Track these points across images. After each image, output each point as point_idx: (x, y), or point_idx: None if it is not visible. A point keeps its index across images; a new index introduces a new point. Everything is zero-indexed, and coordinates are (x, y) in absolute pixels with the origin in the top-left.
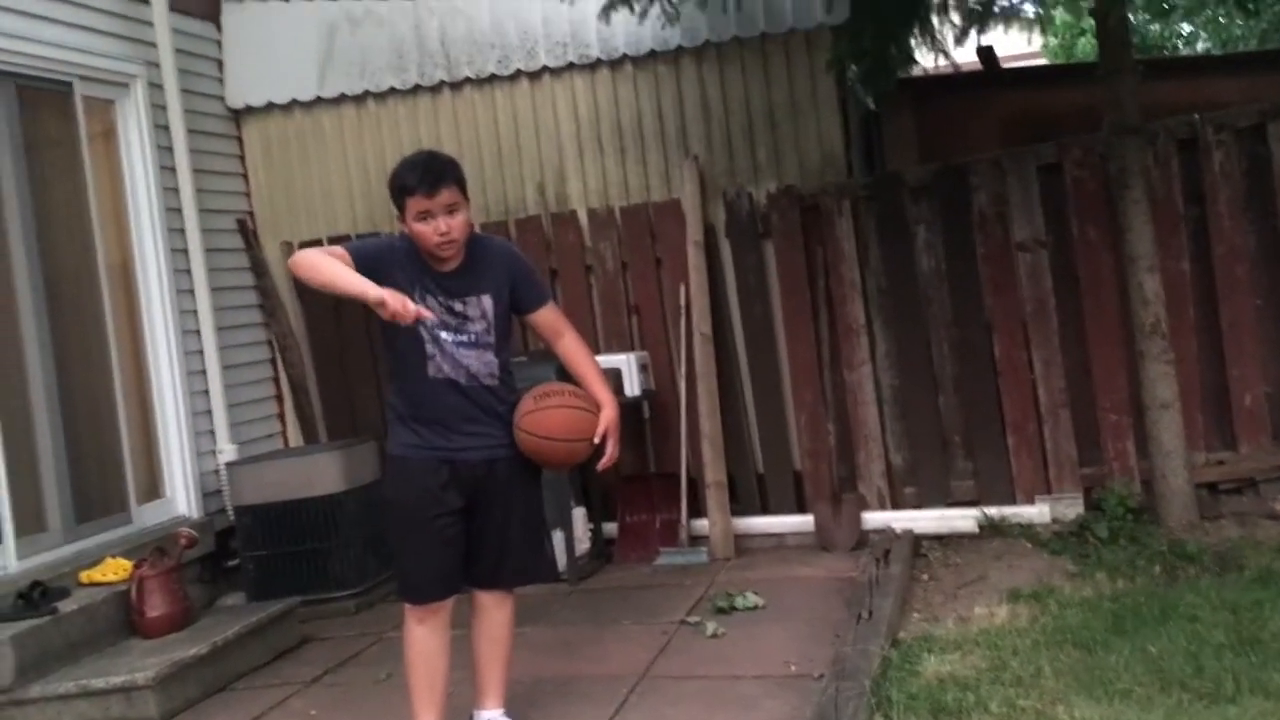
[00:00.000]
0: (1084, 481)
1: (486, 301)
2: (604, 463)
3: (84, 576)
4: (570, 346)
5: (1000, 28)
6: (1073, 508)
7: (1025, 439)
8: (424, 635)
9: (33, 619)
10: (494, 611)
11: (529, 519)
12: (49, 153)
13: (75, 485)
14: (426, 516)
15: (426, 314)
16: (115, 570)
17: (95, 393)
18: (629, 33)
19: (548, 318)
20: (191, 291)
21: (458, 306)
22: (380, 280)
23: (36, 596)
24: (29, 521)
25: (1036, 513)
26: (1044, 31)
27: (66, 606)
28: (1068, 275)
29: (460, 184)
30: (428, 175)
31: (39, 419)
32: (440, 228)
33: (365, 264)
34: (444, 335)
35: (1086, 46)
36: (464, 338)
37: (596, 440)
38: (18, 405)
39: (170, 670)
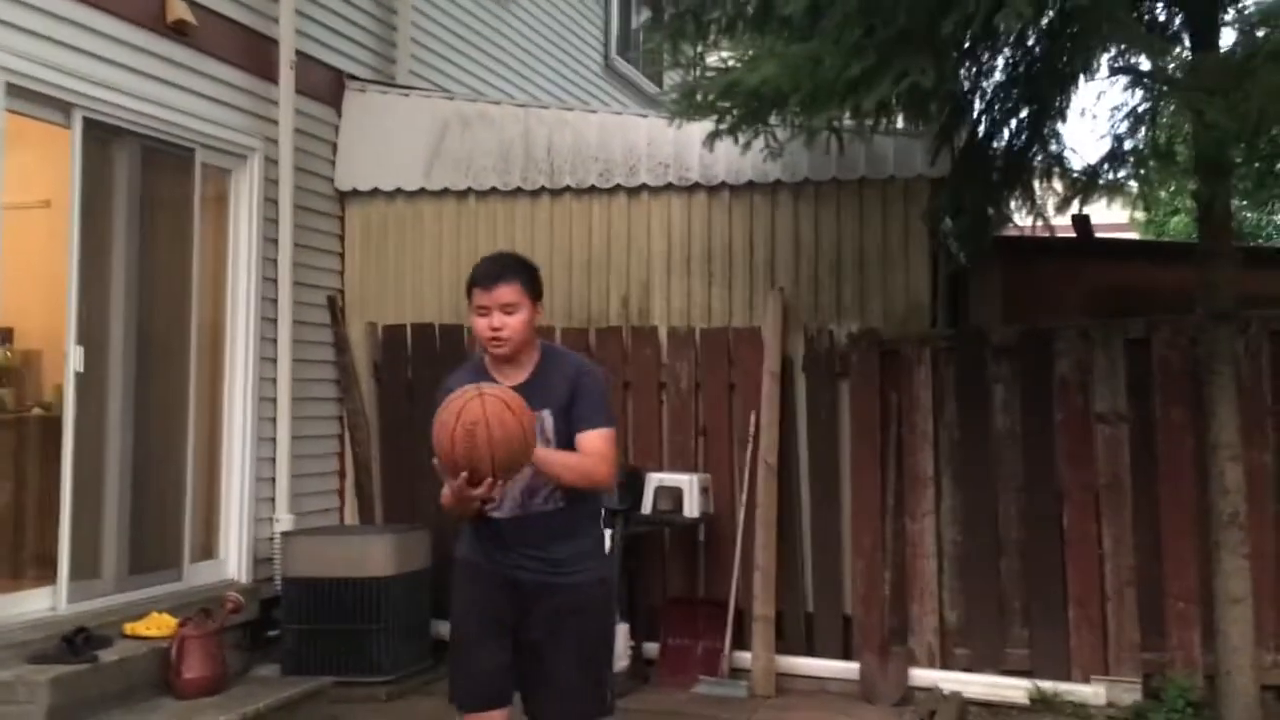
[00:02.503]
0: (1144, 667)
1: (546, 417)
2: (474, 489)
3: (128, 628)
4: (588, 458)
5: (1102, 199)
6: (1130, 693)
7: (1087, 615)
8: None
9: (73, 664)
10: None
11: (585, 657)
12: (162, 212)
13: (134, 536)
14: (471, 623)
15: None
16: (159, 626)
17: (168, 447)
18: (730, 161)
19: (589, 440)
20: (274, 360)
21: None
22: None
23: (80, 642)
24: (84, 566)
25: (1092, 693)
26: (1147, 209)
27: (107, 656)
28: (1146, 453)
29: (527, 285)
30: (491, 270)
31: (110, 466)
32: (493, 323)
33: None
34: None
35: (1179, 225)
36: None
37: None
38: (92, 449)
39: None
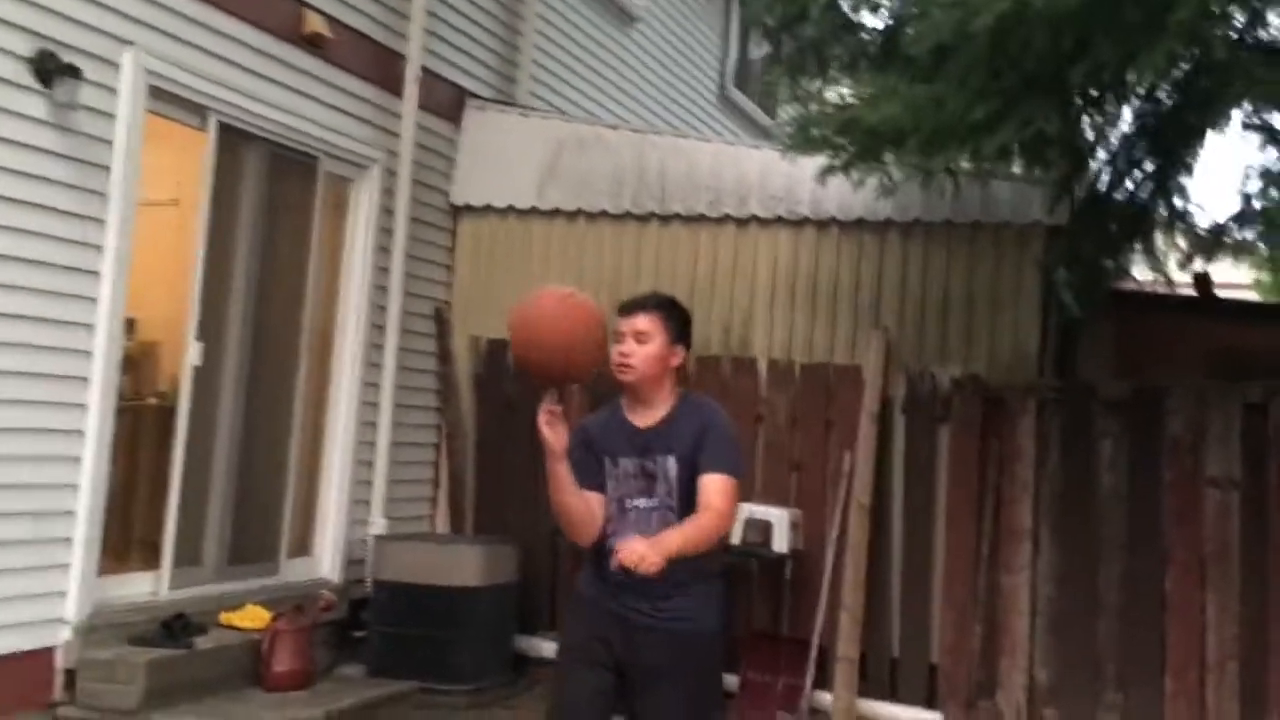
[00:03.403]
0: None
1: (670, 463)
2: (616, 560)
3: (224, 617)
4: (699, 514)
5: (1226, 258)
6: None
7: (1185, 686)
8: None
9: (170, 649)
10: None
11: (689, 703)
12: (285, 216)
13: (235, 528)
14: (575, 651)
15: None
16: (254, 618)
17: (273, 445)
18: (842, 197)
19: (708, 484)
20: (379, 366)
21: (649, 465)
22: (595, 461)
23: (178, 628)
24: (187, 554)
25: None
26: (1274, 271)
27: (203, 643)
28: (1258, 521)
29: (667, 320)
30: (634, 299)
31: (218, 458)
32: (623, 349)
33: (583, 466)
34: (633, 501)
35: None
36: (652, 501)
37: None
38: (203, 442)
39: None
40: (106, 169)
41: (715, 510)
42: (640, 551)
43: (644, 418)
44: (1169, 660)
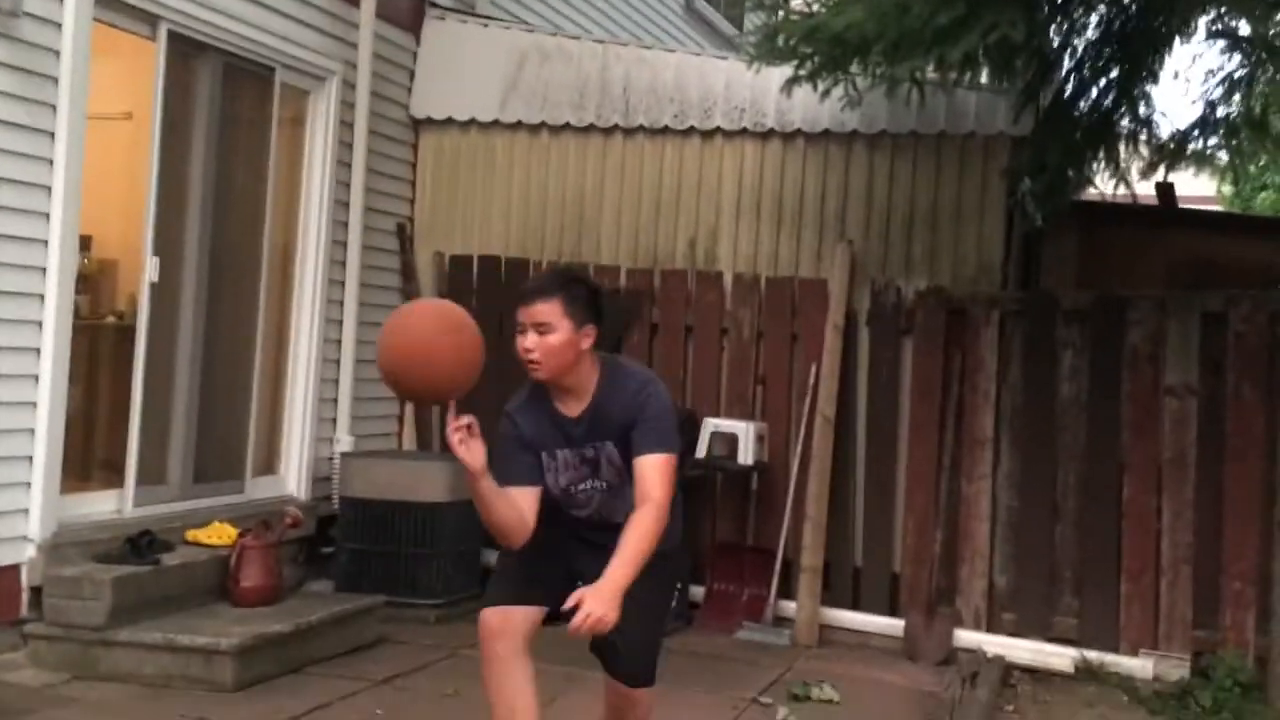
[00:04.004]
0: (1194, 644)
1: (609, 449)
2: (573, 626)
3: (190, 535)
4: (640, 515)
5: (1190, 169)
6: (1178, 669)
7: (1140, 589)
8: (491, 660)
9: (136, 565)
10: (623, 707)
11: (642, 621)
12: (241, 130)
13: (200, 446)
14: (521, 553)
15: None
16: (220, 535)
17: (235, 362)
18: (807, 109)
19: (645, 469)
20: (342, 284)
21: (587, 454)
22: (528, 456)
23: (144, 545)
24: (151, 472)
25: (1139, 666)
26: (1235, 181)
27: (169, 560)
28: (1214, 430)
29: (569, 305)
30: (531, 284)
31: (179, 376)
32: (525, 343)
33: (516, 463)
34: (578, 486)
35: (1266, 201)
36: (599, 484)
37: (567, 605)
38: (163, 359)
39: (253, 642)
40: (54, 80)
41: (654, 503)
42: (593, 614)
43: (571, 405)
44: (1125, 565)
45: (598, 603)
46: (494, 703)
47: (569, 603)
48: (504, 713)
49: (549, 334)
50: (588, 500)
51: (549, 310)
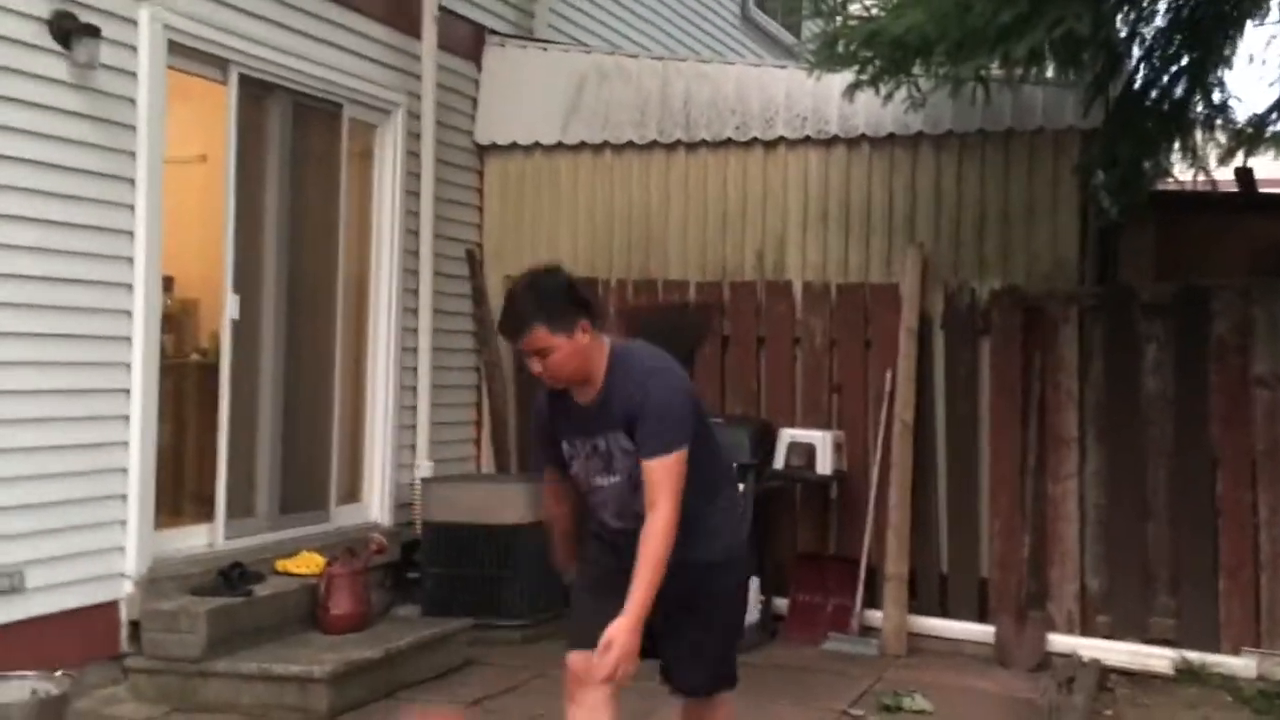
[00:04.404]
0: None
1: (621, 439)
2: (603, 675)
3: (279, 565)
4: (646, 530)
5: (1269, 152)
6: None
7: (1239, 585)
8: (578, 706)
9: (229, 597)
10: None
11: (711, 631)
12: (312, 166)
13: (285, 477)
14: (587, 585)
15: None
16: (309, 564)
17: (316, 394)
18: (870, 113)
19: (653, 473)
20: (415, 311)
21: (599, 444)
22: (558, 446)
23: (235, 577)
24: (239, 505)
25: (1242, 665)
26: None
27: (260, 590)
28: None
29: (552, 324)
30: (507, 324)
31: (263, 410)
32: (535, 369)
33: (544, 450)
34: (595, 480)
35: None
36: (616, 478)
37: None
38: (247, 394)
39: (345, 669)
40: (132, 128)
41: (657, 513)
42: (612, 663)
43: (585, 393)
44: (1222, 561)
45: (619, 641)
46: None
47: (599, 648)
48: None
49: (552, 354)
50: (611, 499)
51: (540, 338)
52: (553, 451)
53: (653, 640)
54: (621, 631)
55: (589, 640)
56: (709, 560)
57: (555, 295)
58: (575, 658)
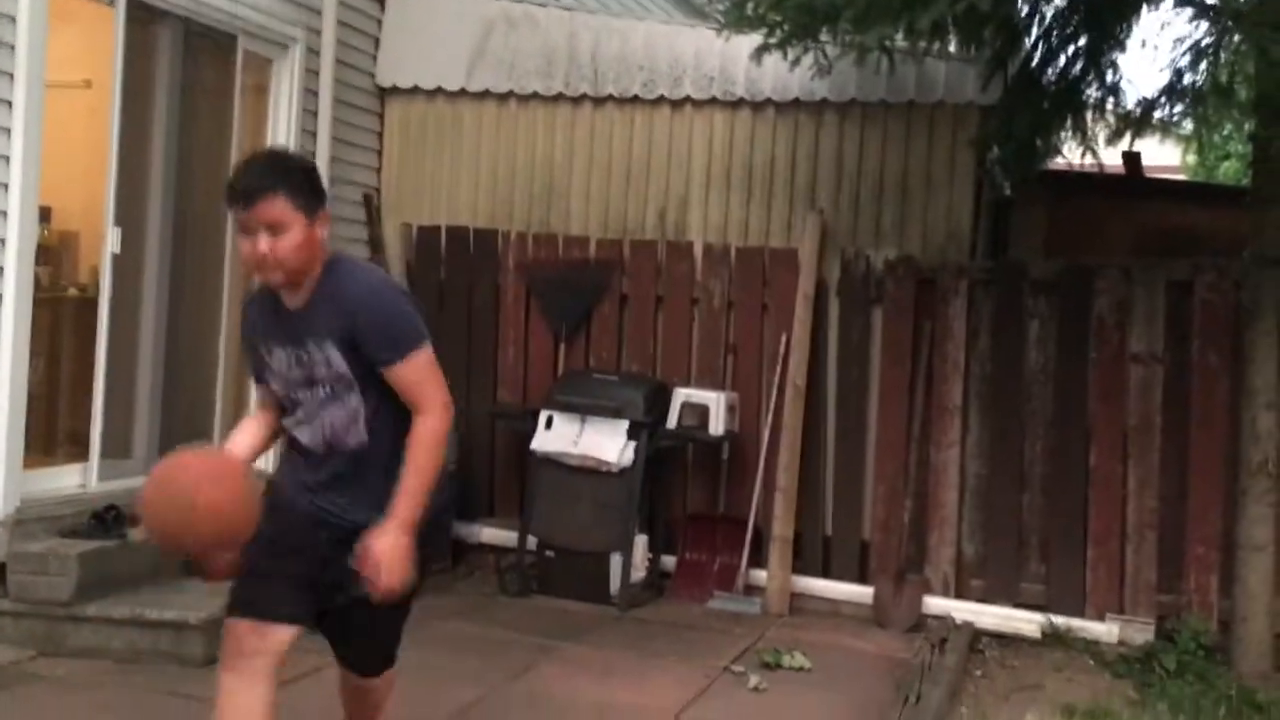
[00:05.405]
0: (1159, 609)
1: (330, 350)
2: (379, 594)
3: None
4: (417, 432)
5: (1155, 137)
6: (1143, 633)
7: (1106, 554)
8: (229, 684)
9: (102, 540)
10: (361, 688)
11: (392, 620)
12: (202, 98)
13: (165, 419)
14: (264, 548)
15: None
16: None
17: (201, 333)
18: (777, 78)
19: (403, 379)
20: None
21: (303, 355)
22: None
23: (110, 519)
24: (116, 446)
25: (1105, 630)
26: (1200, 151)
27: (136, 534)
28: (1179, 397)
29: (298, 197)
30: (247, 182)
31: (144, 348)
32: (258, 247)
33: (251, 357)
34: (297, 393)
35: (1230, 170)
36: (320, 393)
37: (354, 566)
38: (127, 331)
39: (222, 615)
40: (10, 46)
41: (426, 411)
42: (383, 566)
43: (294, 297)
44: (1091, 530)
45: (386, 555)
46: None
47: (360, 563)
48: None
49: (284, 234)
50: (311, 414)
51: (279, 207)
52: (261, 366)
53: (320, 613)
54: (386, 544)
55: (259, 606)
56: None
57: (302, 172)
58: (241, 625)
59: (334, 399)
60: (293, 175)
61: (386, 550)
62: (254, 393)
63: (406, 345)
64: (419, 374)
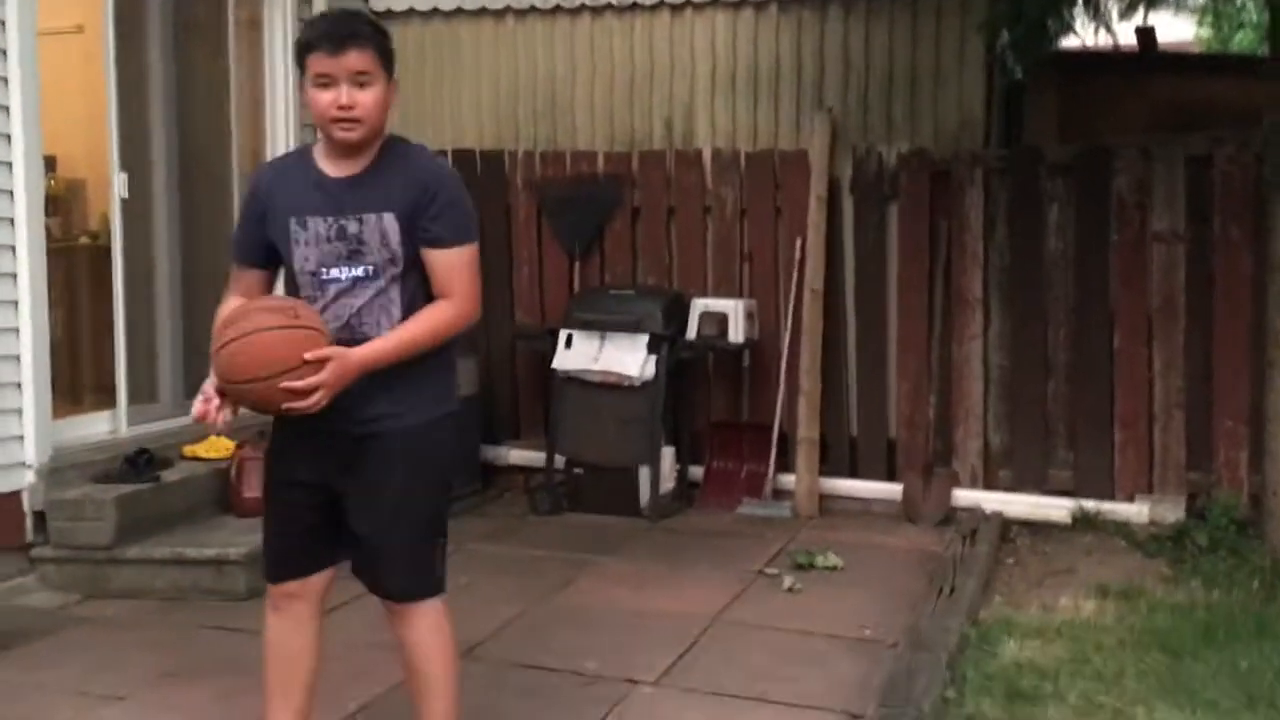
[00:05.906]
0: (1189, 487)
1: (389, 222)
2: (292, 404)
3: (187, 450)
4: (433, 308)
5: (1169, 9)
6: (1174, 511)
7: (1134, 436)
8: (277, 627)
9: (136, 484)
10: (399, 630)
11: (409, 517)
12: (196, 36)
13: (187, 361)
14: (275, 483)
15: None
16: (218, 448)
17: (215, 274)
18: None
19: (448, 263)
20: None
21: (350, 226)
22: (265, 228)
23: (142, 463)
24: (142, 391)
25: (1135, 511)
26: (1215, 23)
27: (169, 476)
28: (1202, 274)
29: (382, 52)
30: (337, 29)
31: (160, 292)
32: (341, 99)
33: (246, 234)
34: (330, 271)
35: (1244, 41)
36: (358, 271)
37: (308, 357)
38: (142, 276)
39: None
40: None
41: (456, 298)
42: (313, 383)
43: (343, 166)
44: (1118, 414)
45: (333, 371)
46: (267, 674)
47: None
48: (277, 686)
49: (369, 87)
50: (339, 293)
51: (368, 59)
52: (259, 236)
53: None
54: (334, 366)
55: (290, 568)
56: (409, 424)
57: (384, 33)
58: (277, 588)
59: (369, 280)
60: (379, 31)
61: (332, 370)
62: (232, 278)
63: (465, 234)
64: (464, 262)
